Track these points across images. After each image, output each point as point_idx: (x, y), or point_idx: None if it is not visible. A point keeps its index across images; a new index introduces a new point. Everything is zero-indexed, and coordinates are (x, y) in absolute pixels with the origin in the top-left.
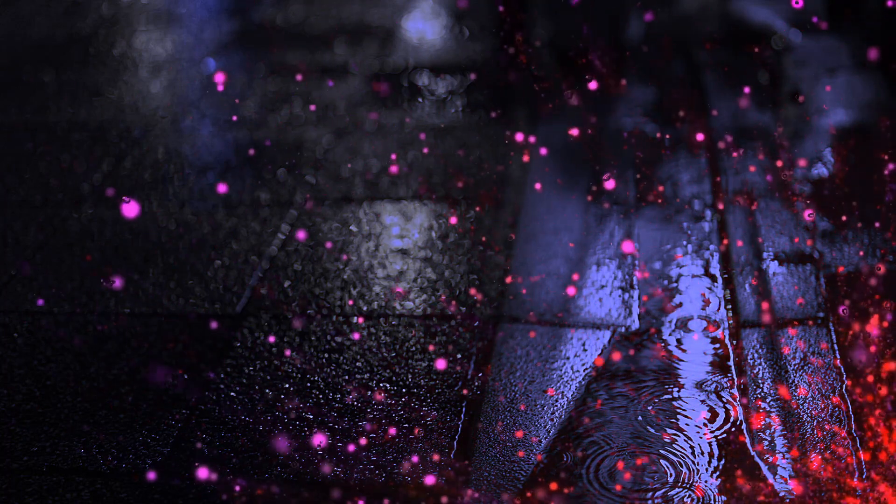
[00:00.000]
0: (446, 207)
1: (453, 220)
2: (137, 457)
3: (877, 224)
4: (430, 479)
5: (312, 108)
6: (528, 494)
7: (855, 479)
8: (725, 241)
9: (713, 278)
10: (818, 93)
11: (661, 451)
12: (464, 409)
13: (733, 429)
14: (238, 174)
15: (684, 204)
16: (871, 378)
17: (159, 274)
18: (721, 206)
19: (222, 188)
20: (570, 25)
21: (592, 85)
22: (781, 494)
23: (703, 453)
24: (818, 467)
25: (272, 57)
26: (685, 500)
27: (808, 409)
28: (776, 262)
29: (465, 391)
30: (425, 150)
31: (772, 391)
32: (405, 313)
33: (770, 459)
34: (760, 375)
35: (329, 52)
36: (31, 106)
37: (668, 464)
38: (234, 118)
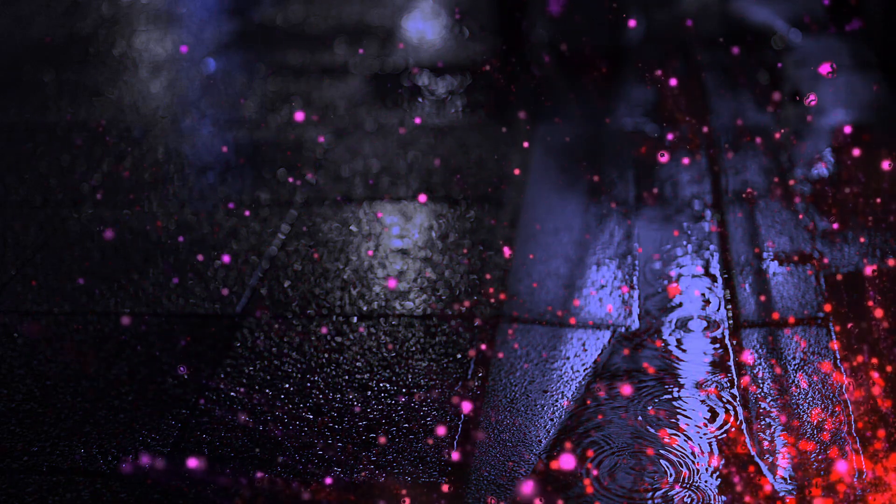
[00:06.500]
0: (446, 207)
1: (453, 220)
2: (137, 457)
3: (877, 224)
4: (430, 480)
5: (312, 108)
6: (528, 494)
7: (855, 479)
8: (725, 241)
9: (713, 278)
10: (818, 93)
11: (661, 451)
12: (464, 410)
13: (733, 429)
14: (238, 174)
15: (684, 204)
16: (870, 378)
17: (159, 274)
18: (721, 206)
19: (222, 188)
20: (570, 25)
21: (592, 85)
22: (781, 494)
23: (703, 453)
24: (818, 467)
25: (272, 57)
26: (685, 500)
27: (807, 408)
28: (776, 262)
29: (465, 391)
30: (425, 150)
31: (772, 391)
32: (405, 313)
33: (770, 459)
34: (760, 375)
35: (329, 52)
36: (31, 106)
37: (668, 464)
38: (235, 118)
